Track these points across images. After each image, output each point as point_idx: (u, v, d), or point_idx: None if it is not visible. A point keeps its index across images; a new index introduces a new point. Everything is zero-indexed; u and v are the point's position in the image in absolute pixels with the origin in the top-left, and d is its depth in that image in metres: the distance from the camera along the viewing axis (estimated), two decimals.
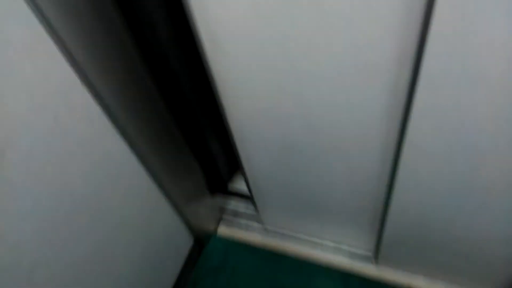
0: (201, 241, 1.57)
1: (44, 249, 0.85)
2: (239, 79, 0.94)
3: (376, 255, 1.38)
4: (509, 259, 1.07)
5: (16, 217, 0.77)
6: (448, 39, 0.62)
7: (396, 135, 0.89)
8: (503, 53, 0.62)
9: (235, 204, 1.73)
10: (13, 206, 0.76)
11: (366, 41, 0.72)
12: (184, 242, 1.48)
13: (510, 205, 0.89)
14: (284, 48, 0.81)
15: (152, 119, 1.10)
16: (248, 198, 1.61)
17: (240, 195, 1.69)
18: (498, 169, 0.81)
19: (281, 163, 1.19)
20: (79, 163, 0.90)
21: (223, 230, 1.67)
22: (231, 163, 1.52)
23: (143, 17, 0.92)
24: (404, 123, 0.81)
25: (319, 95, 0.89)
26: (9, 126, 0.72)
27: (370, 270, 1.42)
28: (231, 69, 0.91)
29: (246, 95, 0.97)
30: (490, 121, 0.72)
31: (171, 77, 1.07)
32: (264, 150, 1.16)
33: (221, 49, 0.87)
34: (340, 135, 0.98)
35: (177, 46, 1.00)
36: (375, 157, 1.00)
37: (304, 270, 1.46)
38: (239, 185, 1.65)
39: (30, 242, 0.81)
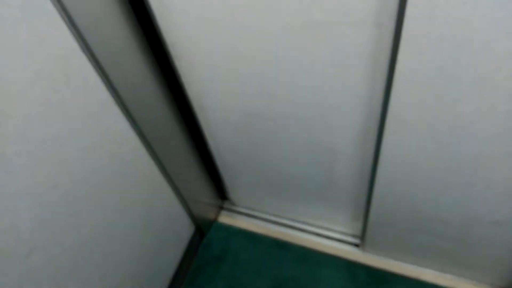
0: (202, 229, 1.51)
1: (41, 231, 0.79)
2: (190, 40, 0.90)
3: (363, 240, 1.35)
4: (500, 246, 1.05)
5: (12, 196, 0.71)
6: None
7: (378, 107, 0.86)
8: (488, 15, 0.58)
9: None
10: (9, 184, 0.70)
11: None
12: (185, 230, 1.43)
13: (496, 184, 0.87)
14: (234, 7, 0.79)
15: (154, 99, 1.04)
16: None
17: None
18: (484, 140, 0.78)
19: (243, 134, 1.16)
20: (78, 139, 0.83)
21: (225, 218, 1.62)
22: None
23: None
24: (387, 93, 0.77)
25: (278, 59, 0.86)
26: (4, 94, 0.65)
27: (357, 255, 1.40)
28: (180, 27, 0.88)
29: (199, 58, 0.94)
30: (474, 88, 0.69)
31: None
32: (224, 119, 1.13)
33: (167, 7, 0.84)
34: (302, 104, 0.95)
35: None
36: (353, 131, 0.97)
37: (307, 259, 1.42)
38: None
39: (27, 223, 0.75)
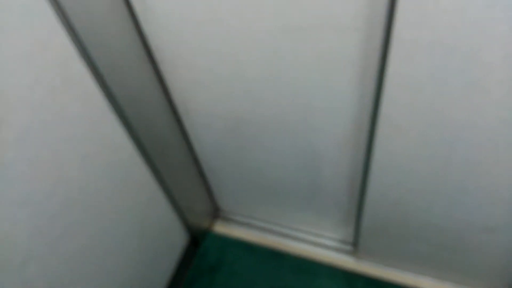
0: (197, 239, 1.50)
1: (37, 241, 0.77)
2: (174, 44, 0.91)
3: (357, 247, 1.35)
4: (495, 252, 1.05)
5: (9, 204, 0.70)
6: (418, 6, 0.60)
7: (369, 111, 0.86)
8: (475, 22, 0.59)
9: None
10: (7, 192, 0.69)
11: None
12: (180, 239, 1.41)
13: (487, 189, 0.87)
14: (216, 10, 0.80)
15: (151, 105, 1.03)
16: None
17: None
18: (475, 146, 0.79)
19: (228, 139, 1.16)
20: (75, 147, 0.82)
21: (220, 228, 1.60)
22: None
23: None
24: (377, 97, 0.78)
25: (262, 63, 0.87)
26: (3, 99, 0.64)
27: (353, 264, 1.39)
28: (163, 31, 0.89)
29: (183, 62, 0.95)
30: (464, 94, 0.70)
31: None
32: (209, 124, 1.13)
33: (151, 10, 0.85)
34: (286, 107, 0.96)
35: None
36: (339, 135, 0.97)
37: (303, 268, 1.41)
38: None
39: (23, 232, 0.74)
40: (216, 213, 1.64)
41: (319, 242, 1.46)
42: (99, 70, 0.82)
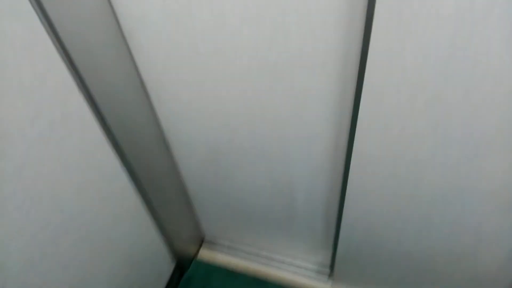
0: (183, 265, 1.49)
1: (30, 272, 0.76)
2: (161, 79, 0.96)
3: (332, 272, 1.37)
4: (461, 279, 1.09)
5: (4, 235, 0.69)
6: (387, 49, 0.64)
7: (344, 144, 0.91)
8: (438, 65, 0.64)
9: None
10: (4, 224, 0.68)
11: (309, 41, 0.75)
12: (165, 266, 1.40)
13: (451, 220, 0.92)
14: (197, 50, 0.84)
15: (144, 138, 1.05)
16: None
17: None
18: (437, 181, 0.84)
19: (209, 166, 1.20)
20: (71, 177, 0.83)
21: (204, 254, 1.60)
22: None
23: None
24: (352, 130, 0.82)
25: (240, 98, 0.91)
26: (3, 133, 0.65)
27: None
28: (152, 66, 0.93)
29: (170, 96, 0.99)
30: (428, 132, 0.75)
31: None
32: (192, 152, 1.17)
33: (142, 46, 0.89)
34: (261, 138, 1.00)
35: None
36: (312, 166, 1.02)
37: None
38: None
39: (17, 264, 0.73)
40: (201, 239, 1.64)
41: (299, 266, 1.48)
42: (97, 103, 0.83)
